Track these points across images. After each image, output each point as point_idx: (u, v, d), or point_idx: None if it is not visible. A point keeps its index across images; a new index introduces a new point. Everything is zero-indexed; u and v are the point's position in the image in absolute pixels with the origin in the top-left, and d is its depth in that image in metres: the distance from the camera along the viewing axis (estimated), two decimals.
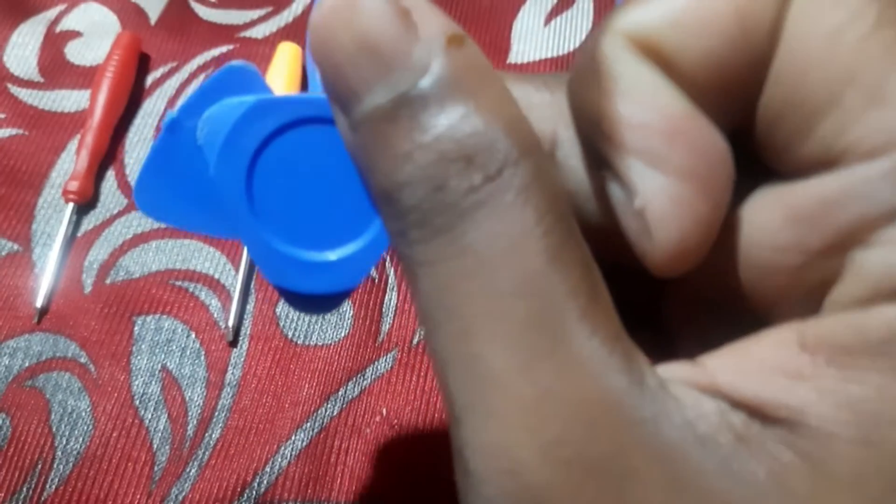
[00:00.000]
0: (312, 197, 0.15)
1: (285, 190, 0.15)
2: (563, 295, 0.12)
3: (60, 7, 0.51)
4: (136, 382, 0.37)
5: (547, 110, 0.15)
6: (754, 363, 0.12)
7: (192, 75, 0.47)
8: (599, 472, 0.12)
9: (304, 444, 0.35)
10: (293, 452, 0.35)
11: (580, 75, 0.14)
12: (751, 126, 0.14)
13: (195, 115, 0.15)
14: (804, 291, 0.13)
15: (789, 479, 0.11)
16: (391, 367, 0.37)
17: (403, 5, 0.13)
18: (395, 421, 0.36)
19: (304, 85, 0.46)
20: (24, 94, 0.46)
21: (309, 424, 0.36)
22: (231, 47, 0.49)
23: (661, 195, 0.13)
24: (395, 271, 0.40)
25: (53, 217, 0.42)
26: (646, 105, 0.13)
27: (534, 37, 0.50)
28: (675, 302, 0.17)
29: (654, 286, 0.16)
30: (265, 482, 0.34)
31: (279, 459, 0.35)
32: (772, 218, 0.13)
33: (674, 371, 0.13)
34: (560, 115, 0.15)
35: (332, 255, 0.16)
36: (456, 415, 0.13)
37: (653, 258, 0.13)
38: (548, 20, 0.51)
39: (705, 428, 0.12)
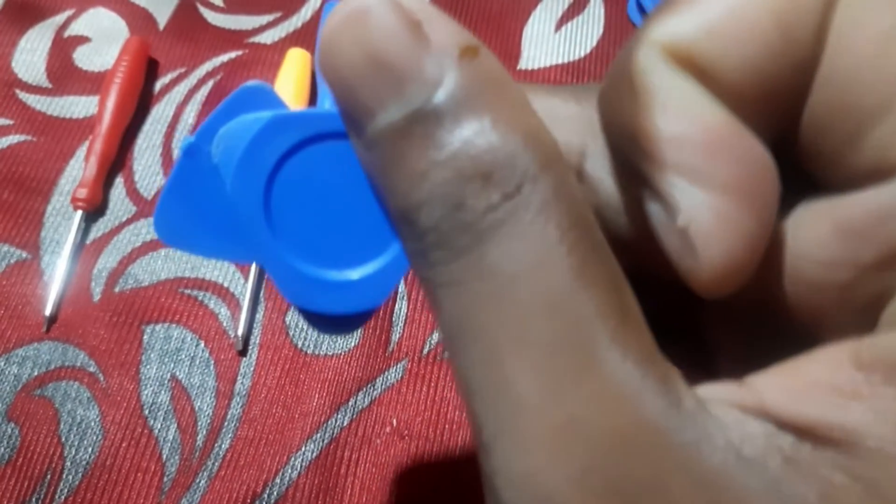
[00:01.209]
0: (332, 214, 0.15)
1: (304, 207, 0.15)
2: (592, 315, 0.11)
3: (69, 12, 0.50)
4: (146, 392, 0.36)
5: (575, 122, 0.15)
6: (806, 383, 0.12)
7: (201, 81, 0.47)
8: (635, 501, 0.11)
9: (315, 454, 0.35)
10: (303, 463, 0.35)
11: (614, 89, 0.14)
12: (795, 136, 0.13)
13: (213, 138, 0.15)
14: (856, 307, 0.12)
15: (842, 503, 0.11)
16: (401, 378, 0.37)
17: (414, 17, 0.12)
18: (406, 431, 0.35)
19: (314, 91, 0.46)
20: (33, 100, 0.46)
21: (319, 435, 0.35)
22: (240, 53, 0.48)
23: (705, 212, 0.12)
24: (406, 280, 0.40)
25: (62, 224, 0.41)
26: (685, 118, 0.12)
27: (544, 42, 0.50)
28: (715, 316, 0.16)
29: (691, 299, 0.15)
30: (275, 493, 0.34)
31: (289, 470, 0.34)
32: (820, 232, 0.13)
33: (717, 392, 0.12)
34: (589, 127, 0.15)
35: (354, 275, 0.15)
36: (484, 442, 0.12)
37: (698, 278, 0.13)
38: (558, 26, 0.50)
39: (751, 450, 0.11)
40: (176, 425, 0.36)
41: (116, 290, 0.39)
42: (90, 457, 0.35)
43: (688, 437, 0.11)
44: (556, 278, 0.12)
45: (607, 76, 0.14)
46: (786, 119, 0.13)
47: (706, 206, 0.12)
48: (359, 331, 0.38)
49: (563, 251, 0.12)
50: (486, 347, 0.12)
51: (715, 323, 0.16)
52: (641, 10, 0.49)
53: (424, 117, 0.12)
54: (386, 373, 0.37)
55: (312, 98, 0.45)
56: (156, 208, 0.15)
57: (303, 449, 0.35)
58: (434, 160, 0.12)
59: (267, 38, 0.49)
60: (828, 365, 0.12)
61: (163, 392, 0.36)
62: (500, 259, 0.12)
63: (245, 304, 0.38)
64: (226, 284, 0.39)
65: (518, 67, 0.48)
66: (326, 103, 0.44)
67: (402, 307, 0.39)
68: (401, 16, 0.12)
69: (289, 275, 0.15)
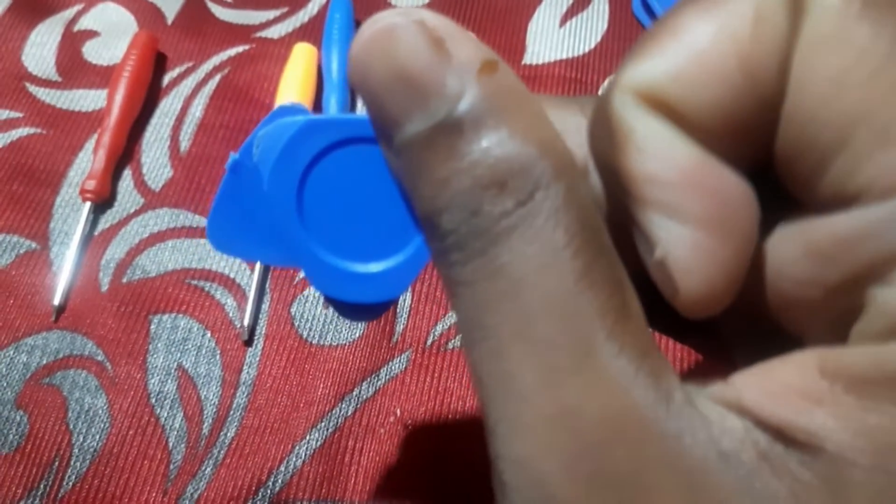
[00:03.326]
0: (360, 211, 0.16)
1: (334, 204, 0.16)
2: (592, 314, 0.12)
3: (78, 7, 0.51)
4: (153, 381, 0.37)
5: (581, 135, 0.16)
6: (778, 385, 0.12)
7: (209, 75, 0.48)
8: (619, 486, 0.12)
9: (319, 443, 0.35)
10: (308, 452, 0.35)
11: (596, 131, 0.14)
12: (772, 162, 0.14)
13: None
14: (828, 321, 0.13)
15: (810, 500, 0.11)
16: (405, 368, 0.37)
17: (437, 35, 0.13)
18: (409, 421, 0.36)
19: (320, 86, 0.46)
20: (42, 94, 0.47)
21: (323, 424, 0.36)
22: (247, 47, 0.49)
23: (681, 245, 0.13)
24: None
25: (71, 216, 0.42)
26: (658, 158, 0.13)
27: (549, 38, 0.50)
28: (724, 314, 0.17)
29: None
30: (280, 481, 0.34)
31: (294, 459, 0.35)
32: (792, 253, 0.13)
33: (705, 388, 0.13)
34: None
35: (377, 267, 0.16)
36: (490, 427, 0.13)
37: (679, 304, 0.13)
38: (563, 21, 0.51)
39: (729, 444, 0.12)
40: (182, 414, 0.36)
41: (124, 280, 0.40)
42: (97, 444, 0.35)
43: (672, 430, 0.12)
44: (560, 280, 0.12)
45: (591, 117, 0.15)
46: (760, 148, 0.14)
47: (682, 239, 0.13)
48: (363, 322, 0.38)
49: (569, 255, 0.12)
50: (493, 342, 0.13)
51: (725, 320, 0.17)
52: (646, 5, 0.50)
53: (447, 128, 0.13)
54: (390, 363, 0.37)
55: (318, 92, 0.46)
56: (207, 221, 0.16)
57: (307, 438, 0.35)
58: (455, 168, 0.13)
59: (274, 32, 0.50)
60: (797, 370, 0.12)
61: (169, 381, 0.37)
62: (511, 262, 0.12)
63: (251, 294, 0.39)
64: (232, 275, 0.40)
65: (523, 62, 0.49)
66: (332, 99, 0.44)
67: (406, 299, 0.39)
68: (425, 34, 0.13)
69: (318, 266, 0.16)
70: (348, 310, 0.17)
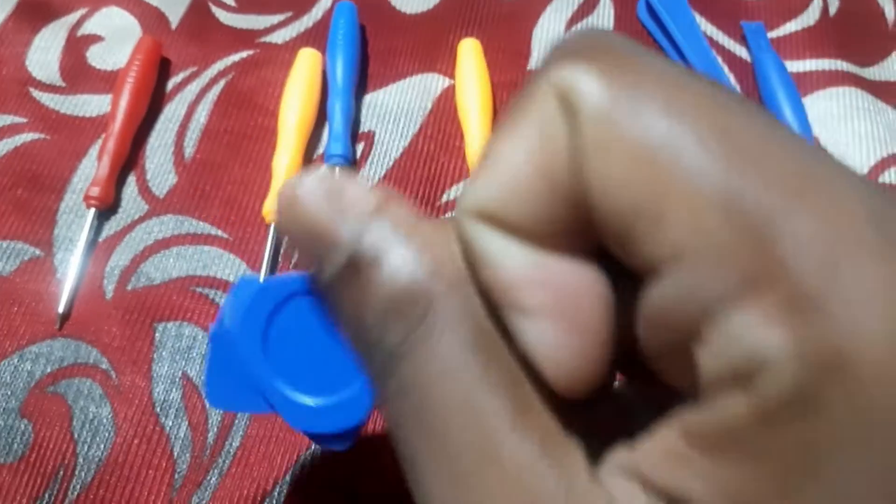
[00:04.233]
0: (315, 352, 0.19)
1: (294, 350, 0.19)
2: (494, 409, 0.14)
3: (82, 11, 0.51)
4: (157, 389, 0.37)
5: None
6: (659, 448, 0.13)
7: (213, 80, 0.47)
8: None
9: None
10: (313, 461, 0.35)
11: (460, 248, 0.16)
12: None
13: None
14: (688, 380, 0.13)
15: None
16: None
17: (334, 187, 0.15)
18: None
19: (325, 92, 0.46)
20: (46, 99, 0.47)
21: None
22: (251, 52, 0.49)
23: (539, 340, 0.14)
24: None
25: (75, 222, 0.42)
26: (501, 268, 0.14)
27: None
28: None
29: None
30: (285, 490, 0.34)
31: (299, 468, 0.35)
32: (638, 322, 0.14)
33: (614, 458, 0.14)
34: None
35: (338, 399, 0.19)
36: None
37: (556, 389, 0.14)
38: (569, 26, 0.50)
39: None
40: (187, 423, 0.36)
41: (129, 287, 0.40)
42: (102, 454, 0.35)
43: None
44: (459, 386, 0.14)
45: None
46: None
47: (538, 335, 0.14)
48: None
49: (466, 362, 0.14)
50: (410, 455, 0.15)
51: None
52: (651, 10, 0.49)
53: (350, 270, 0.15)
54: None
55: (323, 98, 0.46)
56: (205, 386, 0.20)
57: (312, 447, 0.35)
58: (361, 303, 0.15)
59: (278, 37, 0.50)
60: (669, 433, 0.13)
61: (174, 390, 0.37)
62: (414, 377, 0.14)
63: None
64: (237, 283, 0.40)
65: (529, 67, 0.48)
66: (336, 105, 0.44)
67: None
68: (323, 192, 0.15)
69: (289, 406, 0.19)
70: (324, 440, 0.20)
